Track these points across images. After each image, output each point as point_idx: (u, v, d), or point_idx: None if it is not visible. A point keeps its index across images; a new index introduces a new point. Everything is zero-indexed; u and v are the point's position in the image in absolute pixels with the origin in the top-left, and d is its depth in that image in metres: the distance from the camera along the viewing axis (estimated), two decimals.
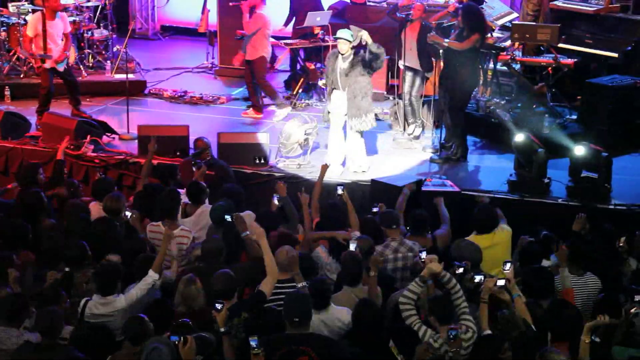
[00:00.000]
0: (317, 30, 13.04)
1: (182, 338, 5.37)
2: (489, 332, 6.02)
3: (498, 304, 6.28)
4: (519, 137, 9.81)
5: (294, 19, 13.75)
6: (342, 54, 10.00)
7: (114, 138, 11.32)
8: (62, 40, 11.67)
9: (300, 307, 5.80)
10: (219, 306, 5.76)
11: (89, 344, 5.90)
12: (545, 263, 7.41)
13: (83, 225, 7.72)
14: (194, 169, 8.82)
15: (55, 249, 7.17)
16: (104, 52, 14.02)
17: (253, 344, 5.38)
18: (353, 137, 10.22)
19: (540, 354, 5.51)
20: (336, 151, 10.31)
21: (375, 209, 8.17)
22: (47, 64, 11.50)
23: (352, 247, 6.89)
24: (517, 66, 11.92)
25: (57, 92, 11.99)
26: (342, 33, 10.04)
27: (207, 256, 7.01)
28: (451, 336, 5.71)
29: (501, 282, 6.22)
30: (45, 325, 5.92)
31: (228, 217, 7.38)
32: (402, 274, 7.47)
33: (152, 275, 6.68)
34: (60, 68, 11.63)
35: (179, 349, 5.39)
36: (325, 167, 8.80)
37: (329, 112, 10.35)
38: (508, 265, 6.52)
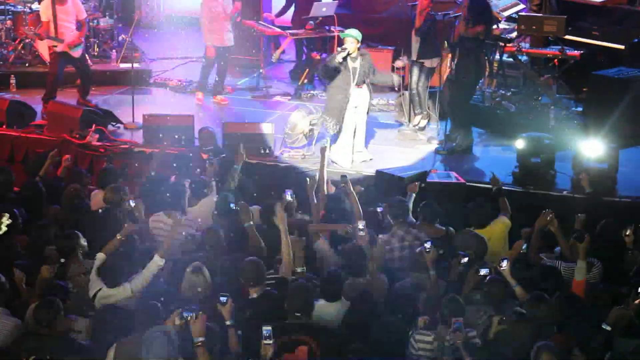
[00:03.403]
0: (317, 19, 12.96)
1: (194, 314, 5.45)
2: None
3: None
4: (520, 144, 9.77)
5: (292, 8, 13.72)
6: (351, 54, 9.97)
7: (119, 127, 11.33)
8: (80, 26, 11.70)
9: (302, 299, 5.83)
10: (224, 299, 5.77)
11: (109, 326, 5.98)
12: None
13: (81, 212, 7.74)
14: (206, 164, 8.81)
15: (44, 238, 7.19)
16: (109, 41, 14.00)
17: (266, 333, 5.39)
18: (362, 129, 10.31)
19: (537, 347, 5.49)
20: (349, 145, 10.31)
21: (379, 209, 8.14)
22: (59, 48, 11.51)
23: (361, 225, 6.89)
24: (524, 58, 11.89)
25: (65, 81, 12.01)
26: (351, 31, 10.04)
27: (207, 246, 7.01)
28: (455, 327, 5.71)
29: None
30: (44, 317, 5.92)
31: (233, 205, 7.36)
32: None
33: (157, 262, 6.68)
34: (75, 53, 11.65)
35: (190, 324, 5.46)
36: (324, 150, 8.72)
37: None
38: (505, 262, 6.53)
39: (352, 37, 10.02)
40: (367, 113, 10.32)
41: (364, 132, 10.42)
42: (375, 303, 6.14)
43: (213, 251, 6.96)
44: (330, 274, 6.40)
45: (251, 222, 7.17)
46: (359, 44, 10.08)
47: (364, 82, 10.11)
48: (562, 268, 7.06)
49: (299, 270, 6.48)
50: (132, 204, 7.70)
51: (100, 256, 6.75)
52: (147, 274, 6.63)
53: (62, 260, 6.89)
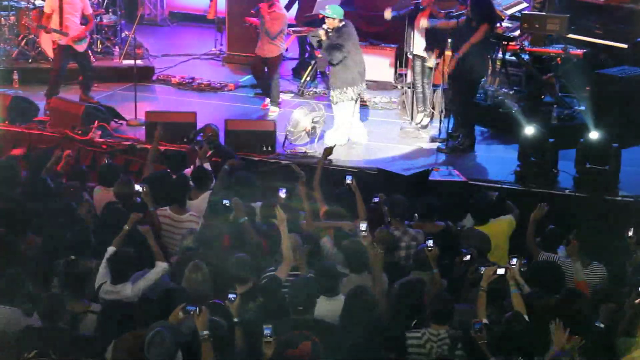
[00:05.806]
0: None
1: (197, 308, 5.46)
2: (485, 321, 5.96)
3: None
4: (529, 130, 9.76)
5: (295, 5, 13.69)
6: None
7: (121, 124, 11.34)
8: (87, 21, 11.75)
9: (304, 295, 5.83)
10: (232, 297, 5.77)
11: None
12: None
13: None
14: (196, 147, 8.85)
15: (57, 237, 7.22)
16: (112, 38, 14.00)
17: (267, 332, 5.42)
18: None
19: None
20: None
21: (375, 199, 8.13)
22: (63, 41, 11.51)
23: (363, 227, 6.83)
24: (526, 56, 11.88)
25: (67, 78, 12.02)
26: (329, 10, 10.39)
27: (203, 244, 7.01)
28: (477, 329, 5.70)
29: (501, 271, 6.17)
30: (47, 310, 5.95)
31: (227, 202, 7.35)
32: (405, 263, 7.44)
33: (160, 265, 6.71)
34: (79, 47, 11.66)
35: (194, 318, 5.47)
36: (328, 151, 8.71)
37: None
38: (514, 260, 6.51)
39: (330, 18, 10.40)
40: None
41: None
42: (372, 299, 6.12)
43: (208, 248, 6.94)
44: (323, 269, 6.36)
45: (245, 218, 7.16)
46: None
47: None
48: (560, 262, 7.06)
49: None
50: (138, 187, 7.69)
51: (111, 249, 6.80)
52: (151, 277, 6.65)
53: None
